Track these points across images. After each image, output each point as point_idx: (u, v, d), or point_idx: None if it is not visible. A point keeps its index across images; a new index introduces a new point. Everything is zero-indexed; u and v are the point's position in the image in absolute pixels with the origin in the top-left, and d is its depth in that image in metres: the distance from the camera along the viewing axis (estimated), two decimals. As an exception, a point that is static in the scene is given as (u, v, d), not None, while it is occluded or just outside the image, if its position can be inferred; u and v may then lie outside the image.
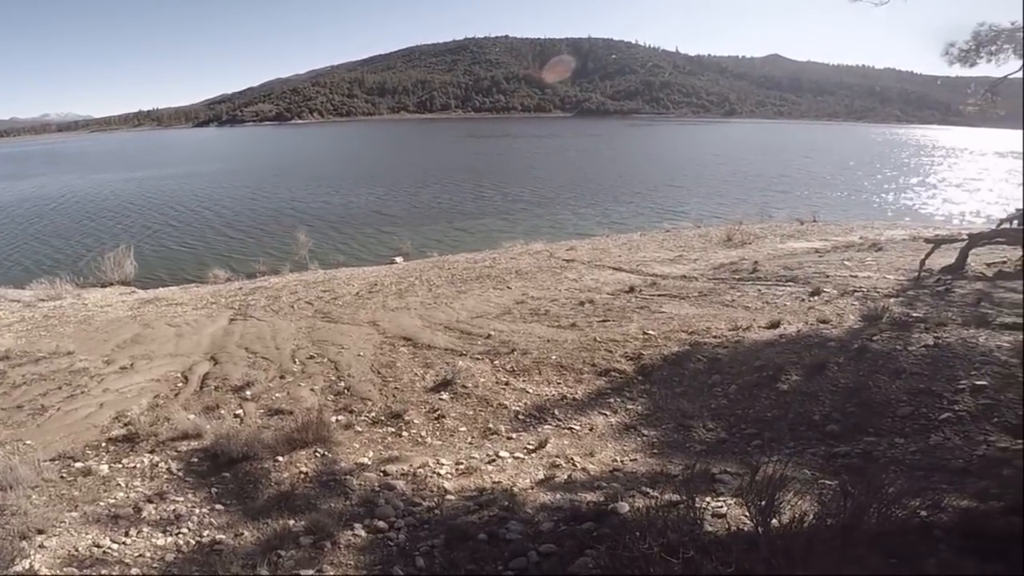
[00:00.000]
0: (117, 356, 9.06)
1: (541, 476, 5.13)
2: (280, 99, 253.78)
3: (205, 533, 4.38)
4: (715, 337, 7.99)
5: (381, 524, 4.38)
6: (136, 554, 4.13)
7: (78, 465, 5.63)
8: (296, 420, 6.28)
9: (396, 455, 5.78)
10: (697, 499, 3.45)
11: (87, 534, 4.40)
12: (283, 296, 12.91)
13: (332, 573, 3.81)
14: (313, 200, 37.56)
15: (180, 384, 7.97)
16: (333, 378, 7.87)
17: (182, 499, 4.94)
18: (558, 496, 4.61)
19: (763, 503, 3.12)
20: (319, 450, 5.79)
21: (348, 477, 5.24)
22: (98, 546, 4.22)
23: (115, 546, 4.23)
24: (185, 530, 4.44)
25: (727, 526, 3.56)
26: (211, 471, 5.44)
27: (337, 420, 6.59)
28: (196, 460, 5.65)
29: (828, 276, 10.99)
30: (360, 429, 6.45)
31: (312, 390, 7.53)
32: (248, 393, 7.44)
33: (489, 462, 5.55)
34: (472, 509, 4.55)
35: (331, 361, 8.45)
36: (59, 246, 25.90)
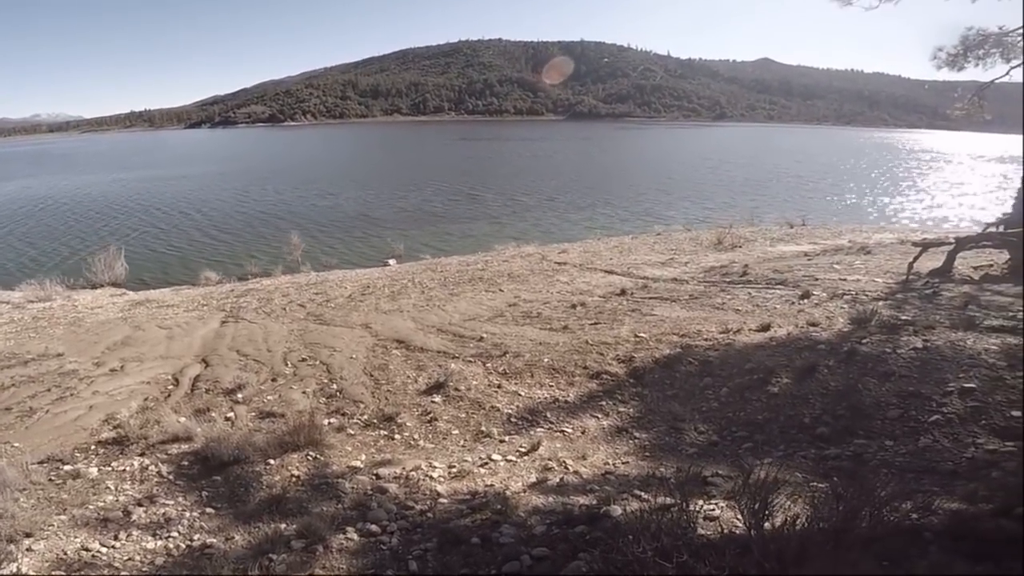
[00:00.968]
0: (107, 358, 8.99)
1: (533, 479, 5.12)
2: (273, 101, 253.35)
3: (195, 537, 4.35)
4: (706, 340, 8.03)
5: (374, 528, 4.36)
6: (125, 558, 4.10)
7: (67, 468, 5.57)
8: (288, 423, 6.26)
9: (389, 458, 5.76)
10: (690, 502, 3.47)
11: (76, 537, 4.36)
12: (275, 298, 12.86)
13: (324, 577, 3.79)
14: (306, 202, 37.51)
15: (171, 387, 7.91)
16: (325, 381, 7.84)
17: (172, 502, 4.91)
18: (550, 499, 4.61)
19: (756, 506, 3.13)
20: (311, 453, 5.76)
21: (340, 480, 5.21)
22: (87, 550, 4.17)
23: (104, 550, 4.19)
24: (175, 534, 4.40)
25: (720, 529, 3.57)
26: (202, 474, 5.40)
27: (329, 423, 6.57)
28: (187, 463, 5.61)
29: (817, 279, 11.06)
30: (352, 432, 6.42)
31: (304, 393, 7.50)
32: (239, 396, 7.39)
33: (482, 465, 5.54)
34: (465, 512, 4.54)
35: (323, 364, 8.42)
36: (49, 248, 25.71)
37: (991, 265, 10.92)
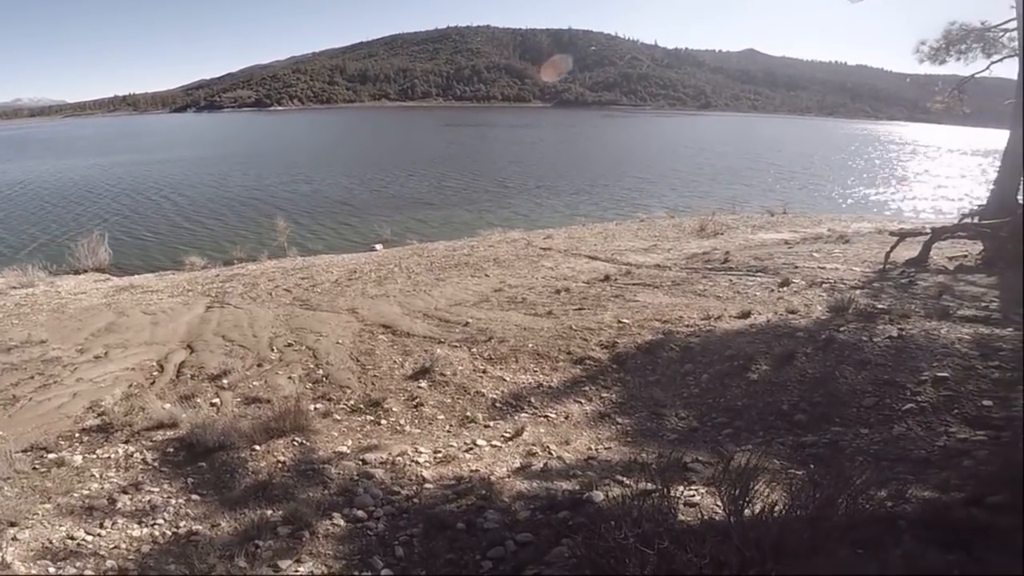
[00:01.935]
0: (91, 345, 8.91)
1: (518, 464, 5.20)
2: (260, 85, 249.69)
3: (181, 524, 4.37)
4: (687, 326, 8.13)
5: (360, 513, 4.41)
6: (111, 546, 4.11)
7: (51, 456, 5.55)
8: (274, 408, 6.26)
9: (375, 443, 5.80)
10: (671, 488, 3.55)
11: (61, 526, 4.35)
12: (261, 283, 12.78)
13: (311, 563, 3.84)
14: (291, 187, 37.13)
15: (156, 373, 7.88)
16: (311, 366, 7.85)
17: (157, 489, 4.92)
18: (534, 484, 4.69)
19: (736, 493, 3.21)
20: (297, 439, 5.79)
21: (326, 466, 5.25)
22: (72, 538, 4.18)
23: (89, 538, 4.20)
24: (161, 521, 4.41)
25: (700, 515, 3.66)
26: (187, 461, 5.41)
27: (315, 408, 6.59)
28: (172, 450, 5.62)
29: (797, 267, 11.22)
30: (339, 417, 6.46)
31: (290, 378, 7.50)
32: (225, 382, 7.38)
33: (467, 450, 5.61)
34: (450, 498, 4.60)
35: (309, 349, 8.42)
36: (34, 233, 25.17)
37: (965, 255, 11.13)
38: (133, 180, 41.22)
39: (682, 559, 2.82)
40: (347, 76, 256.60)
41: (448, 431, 6.17)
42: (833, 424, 5.35)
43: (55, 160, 58.62)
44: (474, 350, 8.03)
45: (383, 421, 6.38)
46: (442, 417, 6.46)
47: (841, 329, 7.24)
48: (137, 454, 5.57)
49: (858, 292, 8.97)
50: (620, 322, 8.51)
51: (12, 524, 4.32)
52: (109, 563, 3.90)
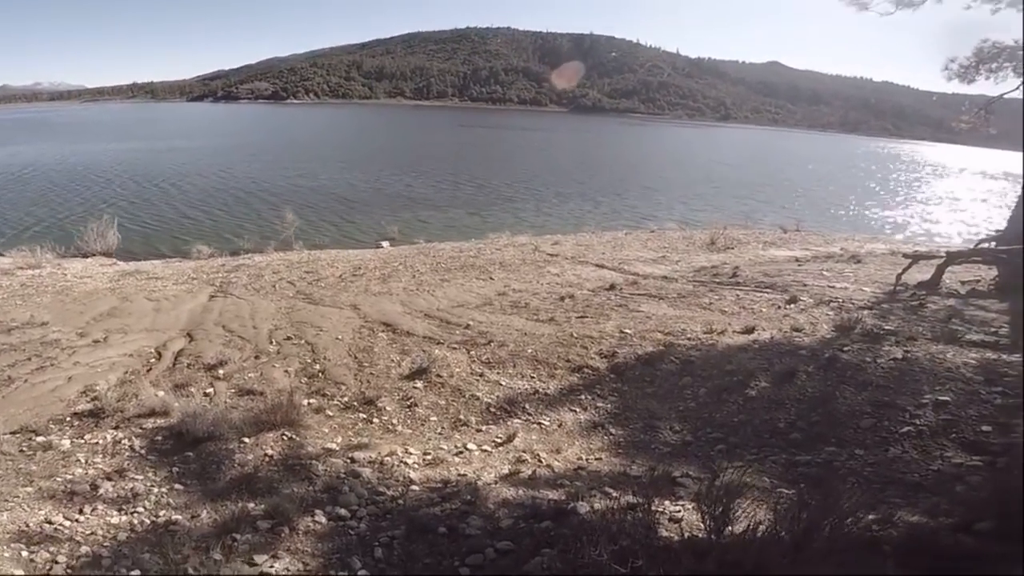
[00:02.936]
0: (92, 329, 8.93)
1: (506, 471, 5.13)
2: (277, 78, 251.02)
3: (161, 513, 4.33)
4: (689, 339, 8.04)
5: (343, 512, 4.36)
6: (88, 532, 4.07)
7: (39, 439, 5.53)
8: (266, 401, 6.23)
9: (365, 442, 5.75)
10: (656, 502, 3.48)
11: (40, 510, 4.32)
12: (266, 275, 12.81)
13: (287, 559, 3.79)
14: (303, 180, 37.30)
15: (153, 360, 7.87)
16: (309, 360, 7.82)
17: (141, 477, 4.88)
18: (520, 492, 4.62)
19: (719, 511, 3.13)
20: (287, 433, 5.74)
21: (314, 462, 5.20)
22: (50, 523, 4.14)
23: (67, 523, 4.16)
24: (141, 509, 4.37)
25: (682, 532, 3.57)
26: (174, 450, 5.37)
27: (309, 403, 6.54)
28: (160, 438, 5.58)
29: (806, 285, 11.07)
30: (331, 414, 6.41)
31: (286, 372, 7.47)
32: (221, 372, 7.37)
33: (456, 454, 5.55)
34: (435, 501, 4.54)
35: (308, 343, 8.40)
36: (41, 215, 25.45)
37: (979, 280, 10.93)
38: (150, 167, 41.56)
39: (654, 576, 2.74)
40: (364, 72, 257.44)
41: (440, 433, 6.11)
42: (828, 444, 5.24)
43: (80, 144, 59.19)
44: (473, 353, 7.97)
45: (375, 420, 6.33)
46: (435, 419, 6.40)
47: (845, 349, 7.12)
48: (125, 441, 5.54)
49: (866, 312, 8.83)
50: (622, 332, 8.43)
51: (-9, 506, 4.29)
52: (84, 549, 3.86)
